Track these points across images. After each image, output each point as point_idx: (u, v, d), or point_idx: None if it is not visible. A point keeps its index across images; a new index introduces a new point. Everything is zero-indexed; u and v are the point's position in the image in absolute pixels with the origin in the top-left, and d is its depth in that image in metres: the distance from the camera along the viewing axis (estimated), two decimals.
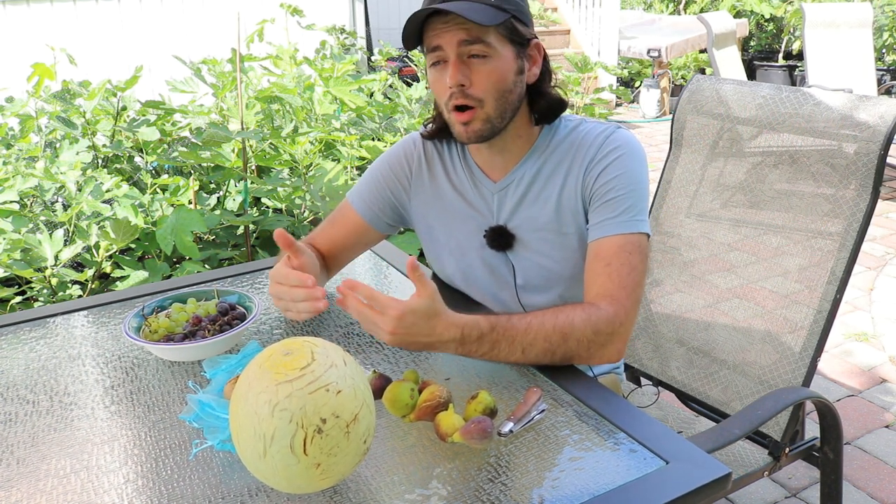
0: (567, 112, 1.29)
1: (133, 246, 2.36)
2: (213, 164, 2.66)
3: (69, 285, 2.17)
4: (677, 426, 1.59)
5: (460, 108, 1.15)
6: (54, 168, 2.36)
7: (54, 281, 2.10)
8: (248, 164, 2.61)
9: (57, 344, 1.29)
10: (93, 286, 2.16)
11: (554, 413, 1.02)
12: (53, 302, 2.10)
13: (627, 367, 1.77)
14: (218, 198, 2.70)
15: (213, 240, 2.57)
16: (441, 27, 1.12)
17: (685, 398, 1.67)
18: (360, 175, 2.70)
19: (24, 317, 1.39)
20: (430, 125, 1.31)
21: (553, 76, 1.25)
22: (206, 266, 2.33)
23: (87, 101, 2.69)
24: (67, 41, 3.68)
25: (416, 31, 1.14)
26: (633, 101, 7.30)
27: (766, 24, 7.98)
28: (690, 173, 1.72)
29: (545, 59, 1.24)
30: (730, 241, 1.65)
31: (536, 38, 1.20)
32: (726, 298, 1.63)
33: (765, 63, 7.37)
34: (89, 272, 2.16)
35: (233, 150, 2.61)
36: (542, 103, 1.23)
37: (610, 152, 1.20)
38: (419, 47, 1.19)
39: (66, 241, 2.17)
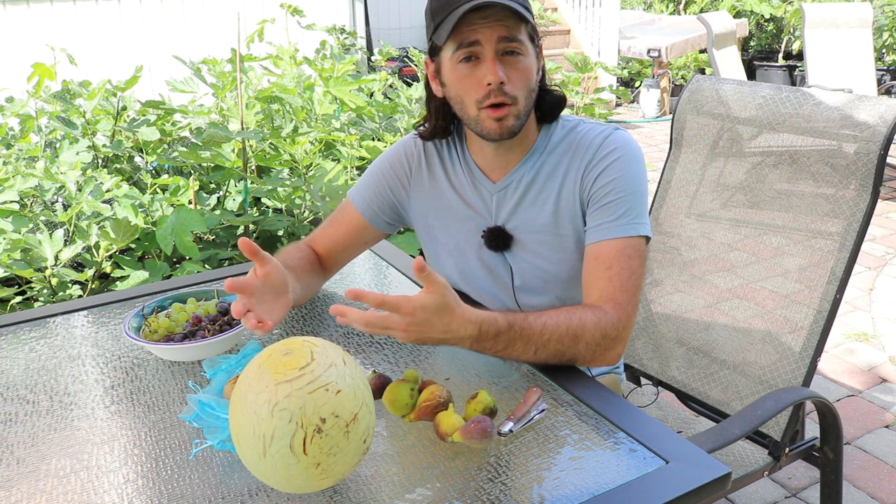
0: (566, 112, 1.30)
1: (133, 246, 2.36)
2: (213, 164, 2.66)
3: (69, 285, 2.17)
4: (677, 426, 1.59)
5: (496, 105, 1.14)
6: (54, 168, 2.36)
7: (54, 281, 2.10)
8: (248, 164, 2.60)
9: (57, 344, 1.29)
10: (93, 286, 2.16)
11: (554, 413, 1.02)
12: (53, 302, 2.10)
13: (627, 367, 1.77)
14: (218, 198, 2.70)
15: (213, 240, 2.57)
16: (480, 22, 1.11)
17: (685, 398, 1.67)
18: (360, 175, 2.70)
19: (24, 317, 1.39)
20: (426, 125, 1.31)
21: (549, 76, 1.27)
22: (206, 266, 2.33)
23: (87, 101, 2.69)
24: (67, 41, 3.68)
25: (453, 24, 1.10)
26: (633, 101, 7.30)
27: (766, 24, 7.98)
28: (690, 173, 1.72)
29: None
30: (730, 241, 1.65)
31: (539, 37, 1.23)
32: (726, 298, 1.63)
33: (765, 63, 7.38)
34: (89, 272, 2.16)
35: (233, 150, 2.61)
36: (549, 99, 1.24)
37: (608, 154, 1.20)
38: (437, 42, 1.15)
39: (66, 241, 2.17)
